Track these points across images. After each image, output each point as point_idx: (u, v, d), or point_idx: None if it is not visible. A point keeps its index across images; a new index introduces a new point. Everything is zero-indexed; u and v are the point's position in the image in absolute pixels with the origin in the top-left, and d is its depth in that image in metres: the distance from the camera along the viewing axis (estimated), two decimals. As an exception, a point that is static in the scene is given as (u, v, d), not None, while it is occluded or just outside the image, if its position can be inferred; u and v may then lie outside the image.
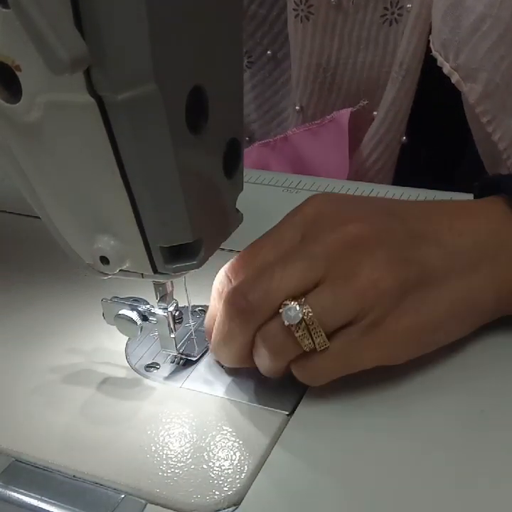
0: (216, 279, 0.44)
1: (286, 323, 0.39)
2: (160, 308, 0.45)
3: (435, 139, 0.75)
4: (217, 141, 0.39)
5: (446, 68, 0.64)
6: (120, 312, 0.45)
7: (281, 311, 0.40)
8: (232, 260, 0.44)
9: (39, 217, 0.40)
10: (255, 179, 0.71)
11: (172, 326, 0.45)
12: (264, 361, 0.42)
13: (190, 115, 0.35)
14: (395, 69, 0.70)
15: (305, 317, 0.39)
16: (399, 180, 0.75)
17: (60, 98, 0.34)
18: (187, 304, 0.47)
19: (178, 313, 0.45)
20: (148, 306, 0.45)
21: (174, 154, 0.35)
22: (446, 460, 0.39)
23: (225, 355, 0.44)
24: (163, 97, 0.33)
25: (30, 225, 0.64)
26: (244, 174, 0.42)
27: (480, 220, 0.45)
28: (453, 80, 0.64)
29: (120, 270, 0.40)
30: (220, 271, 0.44)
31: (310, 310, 0.39)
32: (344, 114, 0.75)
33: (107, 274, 0.41)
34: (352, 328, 0.40)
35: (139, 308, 0.45)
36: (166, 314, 0.45)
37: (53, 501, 0.38)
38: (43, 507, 0.38)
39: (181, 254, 0.39)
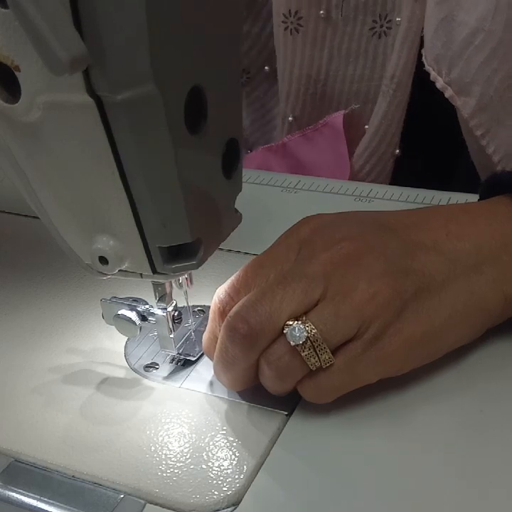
0: (215, 298, 0.43)
1: (292, 343, 0.39)
2: (159, 309, 0.45)
3: (429, 151, 0.75)
4: (217, 141, 0.39)
5: (440, 83, 0.65)
6: (119, 312, 0.45)
7: (285, 331, 0.40)
8: (231, 279, 0.43)
9: (39, 217, 0.40)
10: (254, 179, 0.71)
11: (171, 326, 0.45)
12: (270, 383, 0.42)
13: (189, 115, 0.35)
14: (386, 82, 0.70)
15: (309, 335, 0.39)
16: None
17: (59, 98, 0.34)
18: (186, 304, 0.47)
19: (177, 313, 0.45)
20: (147, 306, 0.45)
21: (173, 154, 0.35)
22: (445, 460, 0.39)
23: (227, 380, 0.43)
24: (162, 97, 0.33)
25: (30, 225, 0.64)
26: (243, 174, 0.42)
27: (480, 221, 0.45)
28: (446, 95, 0.65)
29: (119, 270, 0.40)
30: (218, 290, 0.44)
31: (313, 327, 0.39)
32: (338, 116, 0.75)
33: (106, 274, 0.41)
34: (355, 343, 0.40)
35: (138, 309, 0.45)
36: (165, 314, 0.45)
37: (52, 501, 0.38)
38: (43, 507, 0.38)
39: (180, 254, 0.39)
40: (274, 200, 0.67)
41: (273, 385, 0.42)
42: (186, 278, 0.45)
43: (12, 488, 0.39)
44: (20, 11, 0.29)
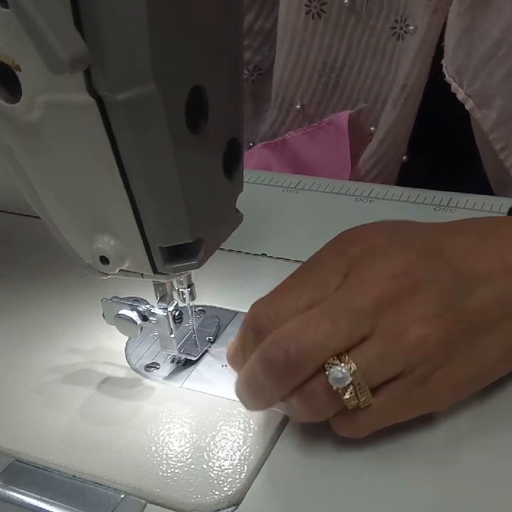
0: (252, 311, 0.40)
1: (335, 387, 0.37)
2: (160, 308, 0.45)
3: (437, 158, 0.75)
4: (217, 141, 0.39)
5: (461, 95, 0.64)
6: (120, 312, 0.45)
7: (327, 373, 0.37)
8: (272, 293, 0.40)
9: (39, 217, 0.40)
10: (255, 179, 0.71)
11: (172, 326, 0.45)
12: (299, 414, 0.39)
13: (190, 115, 0.35)
14: (397, 91, 0.69)
15: (352, 377, 0.37)
16: None
17: (59, 98, 0.34)
18: (187, 304, 0.47)
19: (178, 313, 0.45)
20: (148, 306, 0.45)
21: (174, 154, 0.35)
22: (446, 461, 0.39)
23: (250, 404, 0.41)
24: (163, 97, 0.33)
25: (30, 225, 0.64)
26: (244, 174, 0.42)
27: None
28: (467, 107, 0.64)
29: (120, 270, 0.40)
30: (255, 303, 0.40)
31: (355, 367, 0.37)
32: (343, 116, 0.75)
33: (106, 274, 0.41)
34: (398, 383, 0.38)
35: (139, 308, 0.45)
36: (165, 314, 0.45)
37: (53, 501, 0.38)
38: (43, 507, 0.38)
39: (181, 254, 0.39)
40: (275, 200, 0.67)
41: (301, 417, 0.40)
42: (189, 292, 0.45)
43: (13, 487, 0.39)
44: (20, 10, 0.29)
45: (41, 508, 0.38)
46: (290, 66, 0.77)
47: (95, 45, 0.31)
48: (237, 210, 0.43)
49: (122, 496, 0.38)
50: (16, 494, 0.39)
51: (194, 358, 0.47)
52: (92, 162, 0.36)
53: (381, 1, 0.70)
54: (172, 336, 0.46)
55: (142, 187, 0.36)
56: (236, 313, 0.50)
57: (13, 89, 0.34)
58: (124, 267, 0.40)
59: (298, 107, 0.78)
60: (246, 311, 0.40)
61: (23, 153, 0.37)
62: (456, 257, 0.41)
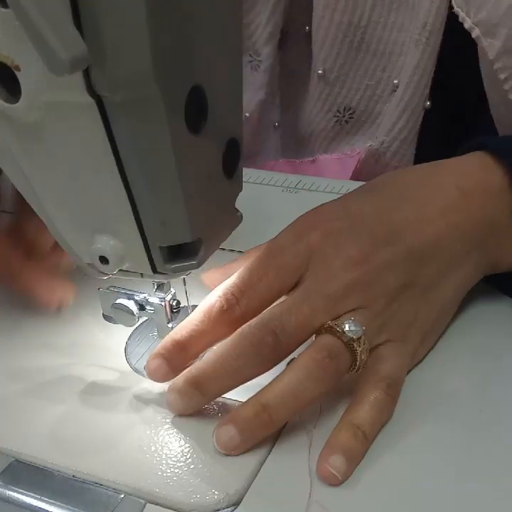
0: (218, 296, 0.43)
1: (355, 336, 0.41)
2: (157, 297, 0.45)
3: (455, 104, 0.75)
4: (217, 141, 0.39)
5: (468, 23, 0.64)
6: (117, 301, 0.45)
7: (339, 328, 0.41)
8: (232, 279, 0.43)
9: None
10: (255, 179, 0.71)
11: (169, 315, 0.45)
12: (308, 383, 0.41)
13: (189, 115, 0.35)
14: (418, 31, 0.69)
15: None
16: (419, 150, 0.75)
17: (59, 98, 0.34)
18: (186, 304, 0.47)
19: (175, 302, 0.45)
20: (145, 294, 0.45)
21: (173, 154, 0.35)
22: (446, 461, 0.39)
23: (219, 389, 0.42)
24: (162, 97, 0.33)
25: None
26: (243, 174, 0.42)
27: (473, 206, 0.48)
28: (473, 35, 0.64)
29: (120, 270, 0.40)
30: (216, 289, 0.43)
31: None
32: (362, 150, 0.76)
33: (106, 274, 0.41)
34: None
35: (136, 298, 0.45)
36: (163, 303, 0.45)
37: (53, 501, 0.38)
38: (43, 507, 0.38)
39: (181, 254, 0.39)
40: (274, 200, 0.67)
41: (310, 386, 0.41)
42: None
43: (12, 487, 0.39)
44: (20, 10, 0.29)
45: (41, 508, 0.38)
46: (315, 30, 0.76)
47: (95, 45, 0.31)
48: (237, 209, 0.43)
49: (122, 495, 0.38)
50: (15, 494, 0.39)
51: None
52: (91, 162, 0.36)
53: None
54: (170, 325, 0.45)
55: (142, 186, 0.36)
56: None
57: (13, 89, 0.34)
58: (123, 267, 0.40)
59: (320, 72, 0.77)
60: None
61: (22, 153, 0.37)
62: (409, 233, 0.46)
